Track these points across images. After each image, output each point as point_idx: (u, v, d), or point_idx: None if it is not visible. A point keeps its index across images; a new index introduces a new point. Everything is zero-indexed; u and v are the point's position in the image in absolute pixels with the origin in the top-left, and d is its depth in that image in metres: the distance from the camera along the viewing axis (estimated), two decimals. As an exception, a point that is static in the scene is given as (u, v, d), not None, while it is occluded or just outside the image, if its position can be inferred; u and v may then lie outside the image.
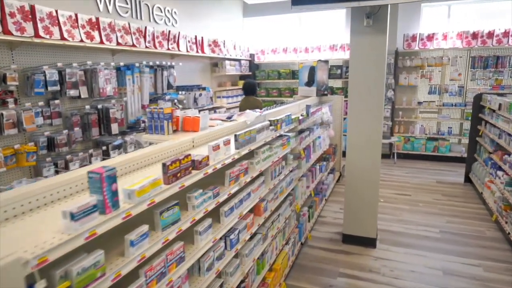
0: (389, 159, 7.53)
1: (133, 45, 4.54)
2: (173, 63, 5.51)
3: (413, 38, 7.15)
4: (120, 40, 4.31)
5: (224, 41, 6.87)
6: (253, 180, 2.43)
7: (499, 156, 4.44)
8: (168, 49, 5.28)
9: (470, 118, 5.84)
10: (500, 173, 4.34)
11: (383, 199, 5.21)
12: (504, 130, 4.29)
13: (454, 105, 7.12)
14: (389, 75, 7.27)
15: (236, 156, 2.10)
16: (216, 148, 2.01)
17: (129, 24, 4.47)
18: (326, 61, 5.68)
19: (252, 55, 8.25)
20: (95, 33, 3.96)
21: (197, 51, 6.03)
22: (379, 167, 3.69)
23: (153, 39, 4.97)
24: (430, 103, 7.27)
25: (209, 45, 6.50)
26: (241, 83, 7.91)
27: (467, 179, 5.86)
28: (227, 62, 6.99)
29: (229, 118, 2.93)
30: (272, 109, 3.53)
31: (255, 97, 5.40)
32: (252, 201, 2.35)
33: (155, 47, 5.00)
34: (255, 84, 5.43)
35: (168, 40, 5.27)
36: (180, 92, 5.74)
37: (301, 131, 3.93)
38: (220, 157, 2.02)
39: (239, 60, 7.68)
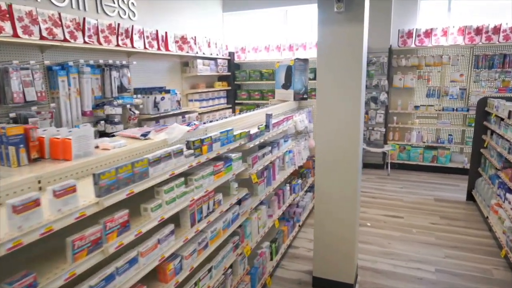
0: (383, 170, 6.72)
1: (65, 40, 3.76)
2: (128, 62, 4.73)
3: (409, 34, 6.35)
4: (45, 34, 3.53)
5: (194, 37, 6.08)
6: (150, 233, 1.64)
7: (509, 175, 3.64)
8: (118, 45, 4.50)
9: (473, 125, 5.03)
10: (510, 196, 3.54)
11: (370, 222, 4.41)
12: (515, 144, 3.48)
13: (455, 109, 6.30)
14: (382, 75, 6.47)
15: (89, 212, 1.31)
16: (63, 193, 1.23)
17: (59, 15, 3.69)
18: (306, 60, 4.89)
19: (231, 54, 7.46)
20: (5, 24, 3.18)
21: (159, 48, 5.25)
22: (357, 194, 2.89)
23: (97, 33, 4.19)
24: (428, 107, 6.46)
25: (176, 42, 5.72)
26: (218, 85, 7.13)
27: (470, 197, 5.05)
28: (199, 61, 6.21)
29: (144, 135, 2.14)
30: (223, 120, 2.74)
31: None
32: (140, 268, 1.56)
33: (99, 43, 4.22)
34: None
35: (117, 35, 4.49)
36: (135, 96, 4.96)
37: (262, 146, 3.15)
38: (68, 208, 1.24)
39: (215, 59, 6.89)
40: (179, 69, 6.23)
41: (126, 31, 4.63)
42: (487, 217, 4.12)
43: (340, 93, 2.76)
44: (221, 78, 7.54)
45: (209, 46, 6.59)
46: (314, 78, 6.80)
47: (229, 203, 2.33)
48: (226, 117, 3.10)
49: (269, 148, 3.11)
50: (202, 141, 1.98)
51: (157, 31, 5.19)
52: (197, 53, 6.17)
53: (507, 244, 3.39)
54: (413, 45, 6.34)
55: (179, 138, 2.16)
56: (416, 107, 6.54)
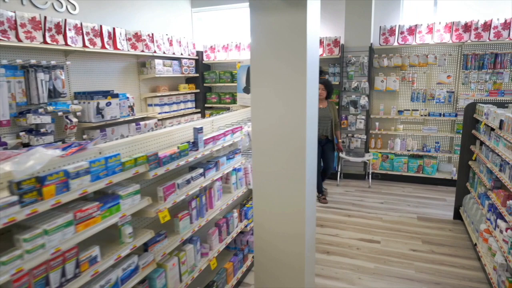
0: (364, 180, 6.11)
1: (-36, 35, 3.09)
2: (60, 62, 4.06)
3: (392, 31, 5.74)
4: None
5: (152, 34, 5.42)
6: None
7: (501, 197, 3.03)
8: (45, 42, 3.83)
9: (461, 132, 4.42)
10: (502, 224, 2.92)
11: (339, 250, 3.78)
12: (507, 160, 2.87)
13: (443, 115, 5.70)
14: (362, 77, 5.85)
15: None
16: None
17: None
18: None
19: (199, 53, 6.81)
20: None
21: (104, 47, 4.58)
22: (304, 215, 2.24)
23: (15, 28, 3.52)
24: (413, 112, 5.86)
25: (128, 40, 5.05)
26: (183, 87, 6.47)
27: (457, 215, 4.44)
28: (157, 61, 5.55)
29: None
30: (135, 136, 2.09)
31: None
32: None
33: (19, 39, 3.56)
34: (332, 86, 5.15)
35: (44, 30, 3.82)
36: (73, 102, 4.29)
37: (192, 168, 2.51)
38: None
39: (178, 59, 6.24)
40: (135, 70, 5.57)
41: (57, 26, 3.96)
42: (476, 244, 3.50)
43: (278, 95, 2.12)
44: (189, 80, 6.89)
45: (171, 44, 5.93)
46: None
47: (115, 256, 1.68)
48: (154, 129, 2.46)
49: (201, 170, 2.47)
50: (41, 180, 1.32)
51: (101, 26, 4.52)
52: (155, 52, 5.51)
53: (498, 285, 2.77)
54: (396, 44, 5.74)
55: (37, 168, 1.50)
56: (400, 112, 5.94)
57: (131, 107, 5.14)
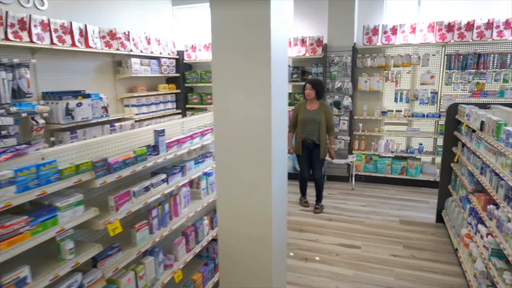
0: (347, 182, 5.99)
1: None
2: (24, 61, 3.83)
3: (375, 30, 5.64)
4: None
5: (128, 32, 5.22)
6: None
7: (482, 201, 2.92)
8: (7, 39, 3.61)
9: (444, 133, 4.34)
10: (483, 229, 2.82)
11: (319, 256, 3.64)
12: (487, 163, 2.76)
13: (426, 115, 5.62)
14: (346, 77, 5.74)
15: None
16: None
17: None
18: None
19: (180, 53, 6.62)
20: None
21: (74, 44, 4.36)
22: (271, 217, 2.09)
23: (-29, 24, 3.30)
24: (396, 113, 5.77)
25: (102, 37, 4.84)
26: (163, 88, 6.27)
27: (439, 218, 4.35)
28: (134, 60, 5.34)
29: None
30: (91, 139, 1.91)
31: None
32: None
33: (-24, 36, 3.33)
34: (324, 87, 5.15)
35: (6, 26, 3.60)
36: (39, 102, 4.07)
37: (155, 173, 2.34)
38: None
39: (157, 58, 6.04)
40: (111, 70, 5.35)
41: (21, 21, 3.74)
42: (457, 250, 3.40)
43: (241, 93, 1.96)
44: (169, 80, 6.69)
45: (149, 43, 5.73)
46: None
47: (51, 276, 1.50)
48: (117, 131, 2.29)
49: (163, 176, 2.29)
50: None
51: (71, 23, 4.31)
52: (131, 51, 5.30)
53: (479, 294, 2.66)
54: (379, 43, 5.64)
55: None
56: (384, 112, 5.84)
57: (105, 108, 4.93)
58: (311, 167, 4.77)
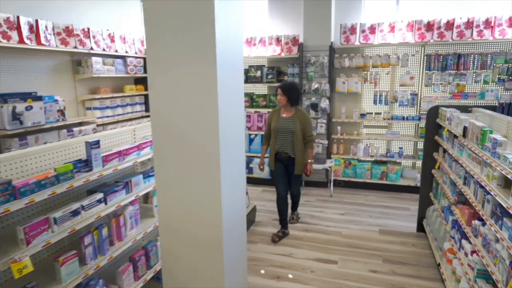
0: (326, 188, 5.73)
1: None
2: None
3: (353, 29, 5.39)
4: None
5: (87, 28, 4.79)
6: None
7: (465, 215, 2.67)
8: None
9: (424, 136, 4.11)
10: (467, 245, 2.57)
11: (292, 274, 3.33)
12: (471, 174, 2.51)
13: (406, 118, 5.41)
14: (323, 78, 5.47)
15: None
16: None
17: None
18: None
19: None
20: None
21: (22, 41, 3.92)
22: (222, 238, 1.76)
23: None
24: (375, 115, 5.54)
25: (57, 34, 4.40)
26: (130, 89, 5.85)
27: (421, 227, 4.11)
28: (95, 59, 4.91)
29: None
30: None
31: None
32: None
33: None
34: (300, 92, 4.29)
35: None
36: (-21, 105, 3.62)
37: (92, 191, 1.97)
38: None
39: (123, 57, 5.62)
40: (69, 70, 4.91)
41: (-47, 14, 3.28)
42: (439, 265, 3.15)
43: (181, 92, 1.64)
44: (138, 81, 6.27)
45: (112, 41, 5.31)
46: (248, 80, 5.71)
47: None
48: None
49: (99, 195, 1.93)
50: None
51: (17, 18, 3.86)
52: (92, 49, 4.87)
53: (464, 320, 2.40)
54: (357, 43, 5.39)
55: None
56: (363, 115, 5.60)
57: (62, 111, 4.49)
58: (286, 182, 4.03)
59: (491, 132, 2.32)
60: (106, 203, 1.98)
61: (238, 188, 1.97)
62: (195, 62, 1.58)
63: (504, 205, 1.92)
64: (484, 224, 2.31)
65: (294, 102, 3.87)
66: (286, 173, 3.97)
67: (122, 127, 2.57)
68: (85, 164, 1.84)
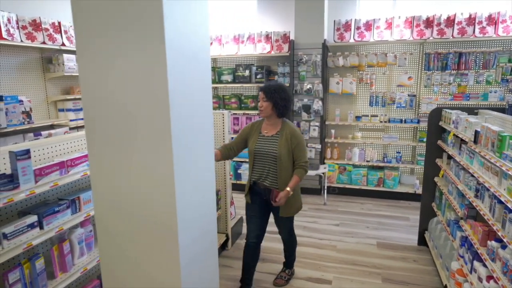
0: (319, 196, 5.35)
1: None
2: None
3: (347, 26, 5.04)
4: None
5: (58, 23, 4.38)
6: None
7: (478, 233, 2.31)
8: None
9: (425, 140, 3.75)
10: (481, 269, 2.21)
11: (280, 297, 2.94)
12: (486, 186, 2.15)
13: (404, 121, 5.07)
14: (316, 78, 5.11)
15: None
16: None
17: None
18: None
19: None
20: None
21: (-21, 35, 3.50)
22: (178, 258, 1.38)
23: None
24: (371, 118, 5.19)
25: (23, 28, 3.99)
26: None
27: (422, 240, 3.75)
28: (67, 56, 4.50)
29: None
30: None
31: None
32: None
33: None
34: (291, 99, 2.92)
35: None
36: None
37: (25, 213, 1.57)
38: None
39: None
40: (39, 68, 4.49)
41: None
42: (446, 286, 2.78)
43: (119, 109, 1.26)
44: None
45: (88, 37, 4.89)
46: (235, 80, 5.36)
47: None
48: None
49: (32, 218, 1.53)
50: None
51: (-28, 8, 3.45)
52: (63, 45, 4.46)
53: None
54: (352, 40, 5.05)
55: None
56: (358, 117, 5.25)
57: (27, 113, 4.07)
58: (263, 225, 2.83)
59: (511, 138, 1.97)
60: (42, 228, 1.59)
61: (203, 188, 1.60)
62: (135, 51, 1.20)
63: (536, 229, 1.56)
64: (504, 246, 1.95)
65: (282, 112, 2.64)
66: (266, 211, 2.79)
67: (69, 134, 2.18)
68: (9, 180, 1.44)
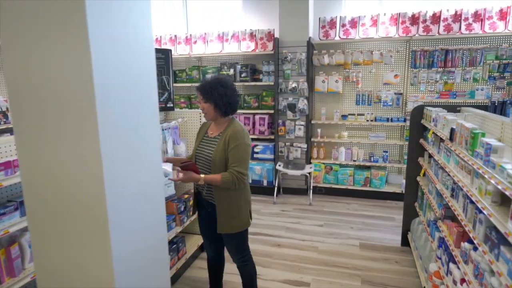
0: (305, 196, 5.27)
1: None
2: None
3: (332, 23, 4.97)
4: None
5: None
6: None
7: (453, 234, 2.24)
8: None
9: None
10: (456, 271, 2.14)
11: (255, 301, 2.85)
12: (460, 185, 2.08)
13: (390, 119, 5.00)
14: (301, 76, 5.04)
15: None
16: None
17: None
18: (166, 51, 3.27)
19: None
20: None
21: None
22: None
23: None
24: (358, 117, 5.11)
25: None
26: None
27: (405, 241, 3.68)
28: None
29: None
30: None
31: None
32: None
33: None
34: (235, 92, 2.31)
35: None
36: None
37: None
38: None
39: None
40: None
41: None
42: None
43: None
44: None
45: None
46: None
47: None
48: None
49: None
50: None
51: None
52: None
53: None
54: (337, 38, 4.97)
55: None
56: (344, 116, 5.17)
57: (4, 113, 3.99)
58: (216, 237, 2.42)
59: (483, 135, 1.89)
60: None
61: (141, 184, 1.51)
62: (56, 38, 1.12)
63: (502, 230, 1.48)
64: (475, 248, 1.88)
65: (226, 111, 2.25)
66: (213, 225, 2.32)
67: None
68: None
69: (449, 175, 2.39)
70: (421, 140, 3.37)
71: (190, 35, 5.40)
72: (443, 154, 2.59)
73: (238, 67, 5.20)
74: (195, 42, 5.38)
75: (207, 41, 5.32)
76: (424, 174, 3.32)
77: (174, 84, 5.56)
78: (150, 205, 1.55)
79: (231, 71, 5.22)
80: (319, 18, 4.99)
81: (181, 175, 2.15)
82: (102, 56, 1.20)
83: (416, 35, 4.64)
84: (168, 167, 2.35)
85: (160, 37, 5.55)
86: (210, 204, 2.31)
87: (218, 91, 2.18)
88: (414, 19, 4.62)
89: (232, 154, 2.16)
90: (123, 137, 1.36)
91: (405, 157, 4.90)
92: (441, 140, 2.71)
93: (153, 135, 1.57)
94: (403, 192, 4.80)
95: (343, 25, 4.89)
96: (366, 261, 3.42)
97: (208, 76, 5.26)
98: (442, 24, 4.54)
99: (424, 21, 4.59)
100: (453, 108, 3.18)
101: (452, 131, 2.36)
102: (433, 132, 2.88)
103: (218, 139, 2.26)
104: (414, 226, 3.44)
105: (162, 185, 1.66)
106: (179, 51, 5.47)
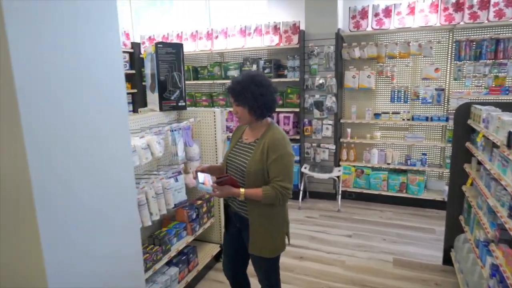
0: (334, 201, 4.87)
1: None
2: None
3: (364, 13, 4.52)
4: None
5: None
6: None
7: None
8: None
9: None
10: (515, 311, 1.70)
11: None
12: (524, 204, 1.64)
13: (430, 119, 4.48)
14: (329, 72, 4.64)
15: None
16: None
17: None
18: (177, 46, 3.01)
19: (136, 45, 5.62)
20: None
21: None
22: None
23: None
24: (392, 115, 4.63)
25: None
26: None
27: (448, 259, 3.21)
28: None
29: None
30: None
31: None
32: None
33: None
34: (272, 89, 1.94)
35: None
36: None
37: None
38: None
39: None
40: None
41: None
42: (472, 323, 2.27)
43: None
44: (128, 78, 5.68)
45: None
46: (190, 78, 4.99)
47: None
48: None
49: None
50: None
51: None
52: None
53: None
54: (369, 29, 4.52)
55: None
56: (377, 115, 4.71)
57: None
58: (239, 259, 2.20)
59: (557, 142, 1.45)
60: None
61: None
62: None
63: None
64: (546, 290, 1.45)
65: (262, 114, 1.92)
66: (240, 243, 2.09)
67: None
68: None
69: (505, 189, 1.95)
70: (468, 144, 2.89)
71: (212, 29, 5.15)
72: (496, 162, 2.14)
73: (261, 62, 4.88)
74: (217, 37, 5.12)
75: (229, 36, 5.04)
76: (471, 184, 2.84)
77: (195, 81, 5.36)
78: (103, 230, 1.30)
79: (254, 67, 4.91)
80: (349, 8, 4.56)
81: (217, 191, 1.88)
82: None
83: (461, 23, 4.09)
84: (206, 178, 2.00)
85: (181, 32, 5.35)
86: (241, 218, 2.00)
87: (252, 91, 1.84)
88: (459, 5, 4.08)
89: (273, 166, 1.86)
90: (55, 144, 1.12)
91: (448, 161, 4.38)
92: (494, 145, 2.25)
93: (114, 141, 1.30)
94: (445, 199, 4.30)
95: (376, 14, 4.43)
96: (401, 282, 3.00)
97: (233, 72, 4.99)
98: (492, 9, 3.96)
99: (471, 6, 4.03)
100: (507, 107, 2.68)
101: (509, 135, 1.91)
102: (484, 135, 2.41)
103: (254, 147, 1.95)
104: (459, 244, 2.97)
105: (126, 205, 1.39)
106: (200, 46, 5.24)
